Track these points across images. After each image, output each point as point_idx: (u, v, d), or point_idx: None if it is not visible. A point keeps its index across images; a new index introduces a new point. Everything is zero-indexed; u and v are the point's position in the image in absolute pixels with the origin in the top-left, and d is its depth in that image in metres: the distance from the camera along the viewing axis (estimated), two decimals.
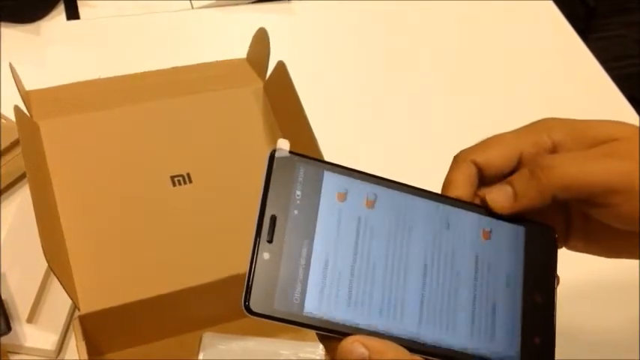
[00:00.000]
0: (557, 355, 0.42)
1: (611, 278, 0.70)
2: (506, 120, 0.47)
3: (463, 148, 0.45)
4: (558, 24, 1.00)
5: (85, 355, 0.54)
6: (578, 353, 0.63)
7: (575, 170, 0.41)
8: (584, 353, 0.64)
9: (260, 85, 0.70)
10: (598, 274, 0.70)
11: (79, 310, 0.55)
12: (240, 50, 0.72)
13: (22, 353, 0.61)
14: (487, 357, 0.40)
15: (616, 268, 0.49)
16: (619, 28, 2.15)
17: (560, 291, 0.44)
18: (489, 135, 0.45)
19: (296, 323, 0.37)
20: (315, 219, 0.39)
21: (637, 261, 0.47)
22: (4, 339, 0.59)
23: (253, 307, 0.36)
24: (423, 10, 0.98)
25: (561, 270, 0.44)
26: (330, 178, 0.40)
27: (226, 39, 0.88)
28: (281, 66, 0.65)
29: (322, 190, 0.39)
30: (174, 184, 0.63)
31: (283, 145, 0.39)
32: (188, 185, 0.63)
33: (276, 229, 0.38)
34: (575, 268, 0.46)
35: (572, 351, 0.46)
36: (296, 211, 0.39)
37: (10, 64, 0.61)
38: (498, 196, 0.43)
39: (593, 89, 0.92)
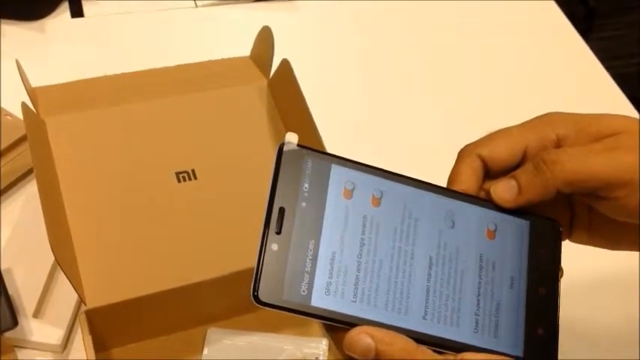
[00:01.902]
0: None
1: (611, 276, 0.71)
2: (508, 119, 0.47)
3: (466, 146, 0.46)
4: (559, 23, 1.00)
5: (91, 350, 0.54)
6: (578, 351, 0.63)
7: (579, 164, 0.41)
8: (584, 352, 0.65)
9: (264, 82, 0.70)
10: (598, 271, 0.70)
11: (85, 304, 0.56)
12: (244, 48, 0.73)
13: (28, 348, 0.61)
14: (492, 350, 0.41)
15: (616, 266, 0.50)
16: (620, 27, 2.15)
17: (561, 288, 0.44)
18: (492, 131, 0.46)
19: (303, 313, 0.38)
20: (323, 212, 0.39)
21: (637, 259, 0.48)
22: (11, 333, 0.59)
23: (262, 297, 0.37)
24: (427, 8, 0.98)
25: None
26: (337, 172, 0.40)
27: (230, 37, 0.88)
28: (285, 64, 0.66)
29: (330, 183, 0.40)
30: (179, 181, 0.63)
31: (292, 138, 0.40)
32: (193, 181, 0.63)
33: (284, 220, 0.38)
34: (575, 266, 0.46)
35: (572, 349, 0.46)
36: (304, 204, 0.39)
37: (17, 61, 0.61)
38: (503, 191, 0.43)
39: (594, 88, 0.92)
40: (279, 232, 0.38)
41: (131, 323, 0.59)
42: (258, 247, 0.38)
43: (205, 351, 0.61)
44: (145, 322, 0.60)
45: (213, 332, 0.62)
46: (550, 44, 0.97)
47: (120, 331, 0.60)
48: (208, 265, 0.59)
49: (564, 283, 0.44)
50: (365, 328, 0.38)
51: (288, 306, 0.37)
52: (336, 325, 0.39)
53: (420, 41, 0.95)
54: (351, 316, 0.38)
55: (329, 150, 0.59)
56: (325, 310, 0.38)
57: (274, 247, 0.38)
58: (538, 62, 0.95)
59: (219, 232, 0.62)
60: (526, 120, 0.46)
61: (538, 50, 0.96)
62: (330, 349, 0.62)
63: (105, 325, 0.57)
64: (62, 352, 0.62)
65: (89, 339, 0.55)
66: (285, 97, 0.67)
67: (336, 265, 0.39)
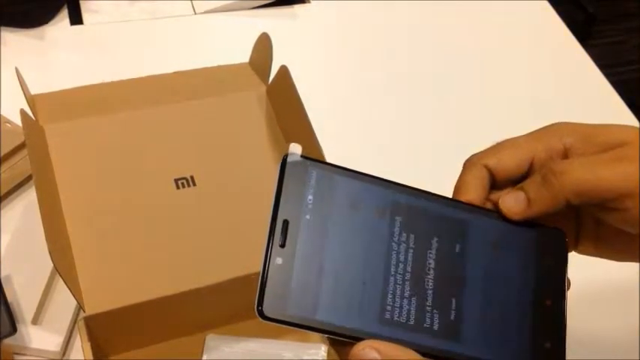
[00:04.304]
0: None
1: (611, 279, 0.71)
2: (507, 125, 0.47)
3: (468, 153, 0.45)
4: (558, 30, 1.00)
5: (90, 356, 0.54)
6: (578, 354, 0.63)
7: (588, 175, 0.41)
8: (584, 354, 0.65)
9: (263, 89, 0.70)
10: (598, 275, 0.70)
11: (84, 311, 0.56)
12: (242, 55, 0.73)
13: (27, 354, 0.61)
14: None
15: (616, 270, 0.50)
16: (619, 34, 2.16)
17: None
18: (493, 139, 0.45)
19: (309, 328, 0.37)
20: (328, 224, 0.39)
21: (637, 268, 0.48)
22: (10, 340, 0.59)
23: (267, 312, 0.36)
24: (426, 15, 0.99)
25: None
26: (342, 183, 0.40)
27: (229, 44, 0.88)
28: (284, 70, 0.66)
29: (334, 196, 0.39)
30: (178, 187, 0.63)
31: (295, 149, 0.39)
32: (192, 188, 0.63)
33: (288, 233, 0.38)
34: (576, 270, 0.46)
35: (572, 352, 0.46)
36: (308, 216, 0.39)
37: (16, 69, 0.62)
38: (511, 202, 0.43)
39: (593, 95, 0.93)
40: (283, 246, 0.38)
41: (130, 330, 0.59)
42: (262, 261, 0.37)
43: (204, 357, 0.61)
44: (144, 329, 0.60)
45: (212, 339, 0.62)
46: (549, 51, 0.97)
47: (119, 337, 0.60)
48: (207, 272, 0.59)
49: None
50: (370, 342, 0.38)
51: (293, 321, 0.37)
52: (342, 339, 0.38)
53: (420, 48, 0.95)
54: (357, 330, 0.38)
55: (327, 156, 0.59)
56: (331, 325, 0.37)
57: (279, 260, 0.37)
58: (537, 69, 0.95)
59: (219, 238, 0.62)
60: (525, 126, 0.46)
61: (536, 57, 0.96)
62: (329, 355, 0.62)
63: (104, 331, 0.57)
64: (61, 359, 0.62)
65: (88, 345, 0.55)
66: (284, 104, 0.68)
67: (342, 279, 0.38)
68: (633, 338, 0.68)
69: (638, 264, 0.46)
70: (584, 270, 0.52)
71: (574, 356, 0.59)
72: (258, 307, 0.36)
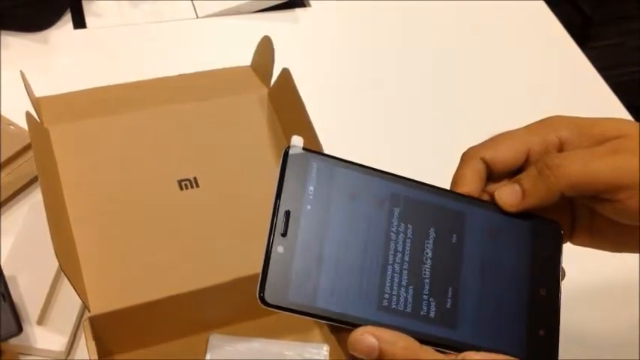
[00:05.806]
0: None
1: (611, 278, 0.71)
2: (505, 127, 0.48)
3: (469, 149, 0.46)
4: (556, 32, 1.01)
5: (95, 356, 0.55)
6: (578, 353, 0.64)
7: (582, 168, 0.42)
8: (584, 353, 0.65)
9: (265, 91, 0.71)
10: (598, 274, 0.71)
11: (89, 311, 0.56)
12: (244, 58, 0.74)
13: (32, 354, 0.62)
14: (494, 349, 0.41)
15: (616, 268, 0.50)
16: (617, 36, 2.16)
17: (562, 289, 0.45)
18: (495, 134, 0.46)
19: (308, 314, 0.38)
20: (328, 215, 0.40)
21: (637, 262, 0.48)
22: (15, 340, 0.59)
23: (268, 298, 0.37)
24: (426, 16, 0.99)
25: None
26: (342, 175, 0.41)
27: (231, 47, 0.89)
28: (285, 73, 0.66)
29: (335, 187, 0.41)
30: (181, 188, 0.64)
31: (297, 142, 0.40)
32: (195, 189, 0.64)
33: (289, 223, 0.39)
34: (575, 268, 0.47)
35: (572, 351, 0.46)
36: (309, 207, 0.40)
37: (21, 72, 0.62)
38: (507, 195, 0.44)
39: (591, 97, 0.93)
40: (284, 235, 0.39)
41: (134, 329, 0.60)
42: (264, 250, 0.38)
43: (207, 357, 0.62)
44: (148, 329, 0.61)
45: (215, 338, 0.63)
46: (547, 53, 0.98)
47: (123, 337, 0.60)
48: (210, 272, 0.60)
49: (565, 286, 0.45)
50: (369, 328, 0.38)
51: (293, 307, 0.38)
52: (341, 326, 0.39)
53: (419, 49, 0.96)
54: (356, 317, 0.39)
55: None
56: (330, 312, 0.38)
57: (280, 249, 0.38)
58: (534, 71, 0.95)
59: (222, 238, 0.62)
60: (527, 124, 0.46)
61: (535, 59, 0.97)
62: (330, 355, 0.63)
63: (108, 331, 0.58)
64: (66, 359, 0.62)
65: (93, 345, 0.55)
66: (286, 106, 0.68)
67: (341, 267, 0.39)
68: (633, 336, 0.69)
69: (637, 262, 0.47)
70: (583, 268, 0.53)
71: (574, 355, 0.60)
72: (259, 293, 0.38)
